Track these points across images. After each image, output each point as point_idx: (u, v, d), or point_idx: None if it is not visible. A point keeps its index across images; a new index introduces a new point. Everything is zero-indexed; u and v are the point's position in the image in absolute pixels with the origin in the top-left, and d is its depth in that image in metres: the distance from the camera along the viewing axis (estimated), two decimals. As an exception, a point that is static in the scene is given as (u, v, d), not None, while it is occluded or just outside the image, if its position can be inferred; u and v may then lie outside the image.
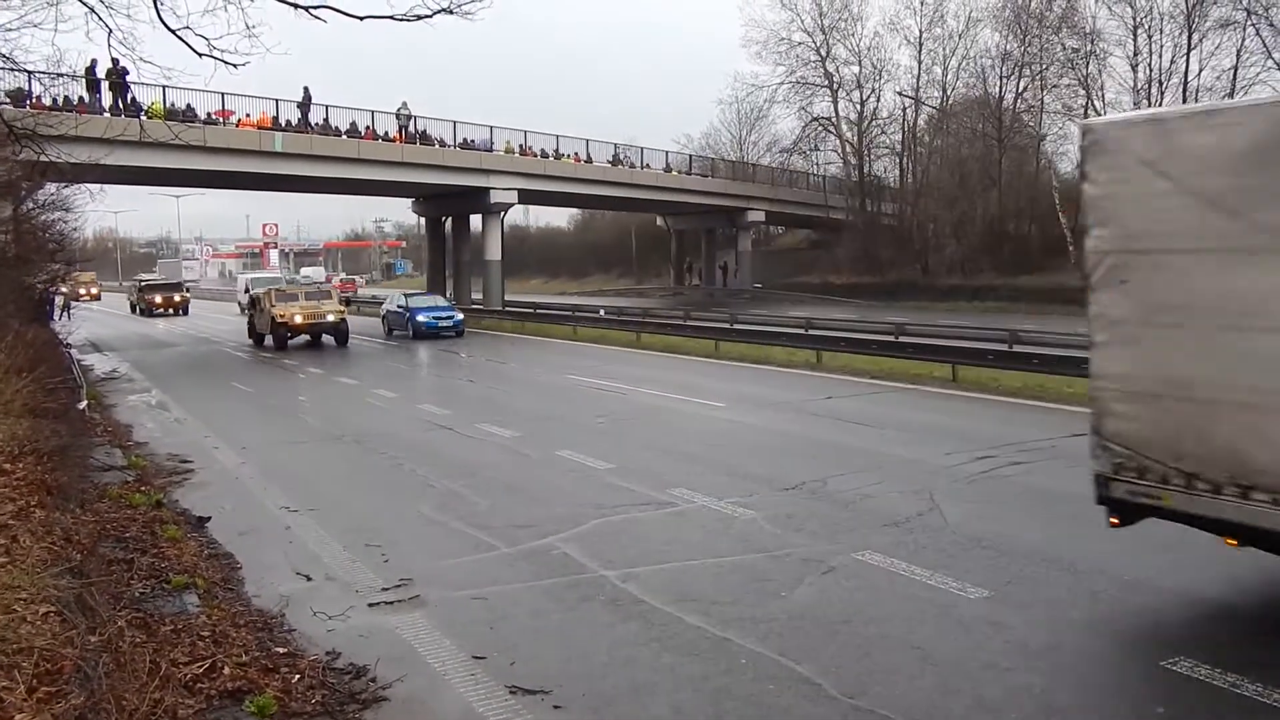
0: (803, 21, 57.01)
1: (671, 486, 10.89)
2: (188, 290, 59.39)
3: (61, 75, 27.28)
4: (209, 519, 10.11)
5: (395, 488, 11.59)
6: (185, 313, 52.91)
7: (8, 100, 26.72)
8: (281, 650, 6.53)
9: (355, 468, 12.94)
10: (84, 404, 15.99)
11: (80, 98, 31.84)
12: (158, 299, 53.79)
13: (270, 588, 8.00)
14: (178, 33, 9.10)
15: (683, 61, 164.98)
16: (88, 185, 23.31)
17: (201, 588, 7.58)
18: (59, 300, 43.14)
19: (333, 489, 11.74)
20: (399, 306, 35.66)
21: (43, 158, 14.33)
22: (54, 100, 29.35)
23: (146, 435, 15.50)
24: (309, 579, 8.25)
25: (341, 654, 6.56)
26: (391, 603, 7.62)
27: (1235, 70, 41.27)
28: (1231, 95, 41.48)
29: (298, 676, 6.07)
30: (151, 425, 16.61)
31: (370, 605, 7.58)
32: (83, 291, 77.81)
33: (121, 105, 32.47)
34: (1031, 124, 50.36)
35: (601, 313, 36.10)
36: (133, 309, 57.28)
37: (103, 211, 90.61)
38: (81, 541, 7.56)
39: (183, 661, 5.89)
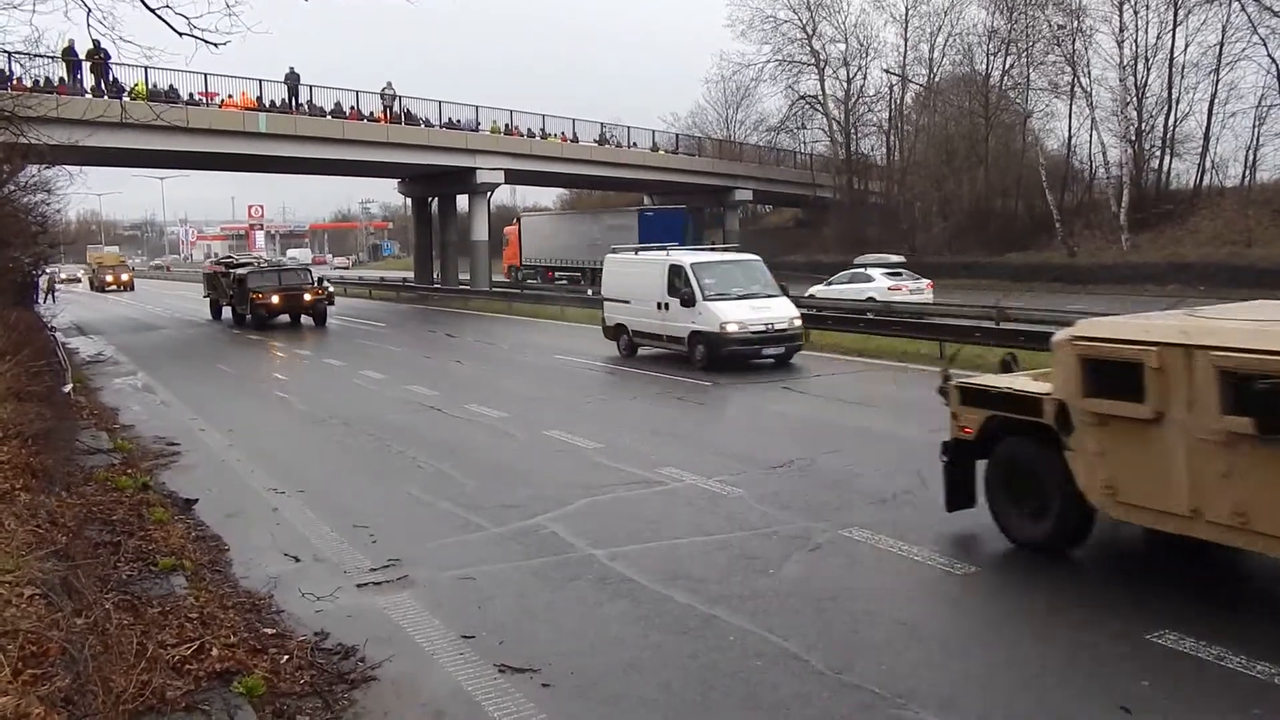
0: (788, -1, 56.78)
1: (659, 465, 10.90)
2: (326, 284, 33.32)
3: (40, 56, 26.99)
4: (196, 501, 10.08)
5: (383, 469, 11.57)
6: (322, 322, 31.09)
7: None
8: (270, 631, 6.54)
9: (343, 449, 12.91)
10: (69, 387, 15.89)
11: (60, 79, 31.54)
12: (275, 300, 30.41)
13: (258, 569, 8.00)
14: (157, 12, 9.02)
15: (668, 41, 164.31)
16: (68, 167, 23.09)
17: (189, 570, 7.56)
18: (43, 283, 42.77)
19: (320, 471, 11.71)
20: None
21: (22, 139, 14.17)
22: (34, 81, 29.05)
23: (132, 418, 15.43)
24: (297, 560, 8.25)
25: (330, 634, 6.57)
26: (380, 583, 7.62)
27: (1221, 46, 41.17)
28: (1217, 71, 41.54)
29: (286, 657, 6.08)
30: (138, 408, 16.53)
31: (358, 586, 7.58)
32: (108, 278, 63.12)
33: (104, 86, 32.18)
34: (1018, 101, 50.25)
35: (590, 292, 35.99)
36: (215, 311, 35.56)
37: (85, 194, 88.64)
38: (67, 524, 7.53)
39: (170, 643, 5.88)
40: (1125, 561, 7.45)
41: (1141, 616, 6.42)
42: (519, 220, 58.67)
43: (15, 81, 27.40)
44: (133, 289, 63.49)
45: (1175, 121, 43.59)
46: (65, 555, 6.46)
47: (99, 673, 4.73)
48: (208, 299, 36.60)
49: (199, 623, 6.32)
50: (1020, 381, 8.29)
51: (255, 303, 30.49)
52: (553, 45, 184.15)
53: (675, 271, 19.07)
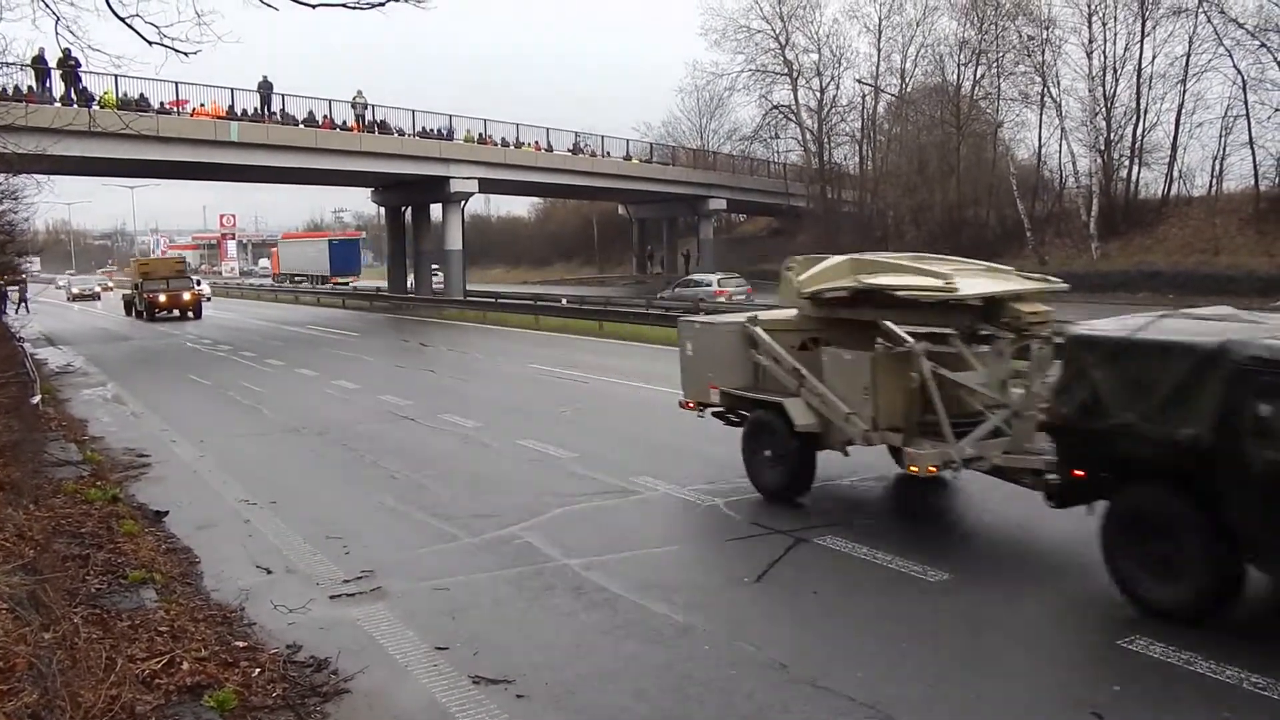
0: (761, 9, 57.08)
1: (634, 474, 10.90)
2: None
3: (8, 64, 26.72)
4: (167, 513, 9.98)
5: (357, 479, 11.50)
6: None
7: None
8: (241, 644, 6.48)
9: (316, 460, 12.83)
10: (38, 398, 15.73)
11: (29, 87, 31.24)
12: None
13: (230, 581, 7.93)
14: (127, 20, 8.92)
15: (641, 49, 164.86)
16: (36, 175, 22.83)
17: (159, 583, 7.49)
18: (13, 293, 42.23)
19: (293, 481, 11.63)
20: None
21: (-10, 148, 14.01)
22: (2, 90, 28.76)
23: (102, 429, 15.27)
24: (269, 572, 8.18)
25: (303, 647, 6.52)
26: (353, 595, 7.57)
27: (1188, 57, 41.67)
28: (1184, 82, 42.05)
29: (258, 670, 6.02)
30: (107, 419, 16.37)
31: (331, 598, 7.52)
32: (161, 297, 41.99)
33: (73, 94, 31.91)
34: (989, 111, 50.70)
35: (564, 302, 35.96)
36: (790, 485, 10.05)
37: (53, 203, 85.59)
38: (35, 538, 7.44)
39: (140, 657, 5.82)
40: (1096, 569, 7.50)
41: (1113, 622, 6.47)
42: (278, 244, 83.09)
43: (-17, 90, 27.09)
44: (199, 315, 42.62)
45: (1143, 131, 44.08)
46: (33, 569, 6.38)
47: (67, 688, 4.67)
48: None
49: (169, 636, 6.25)
50: None
51: None
52: (526, 58, 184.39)
53: None
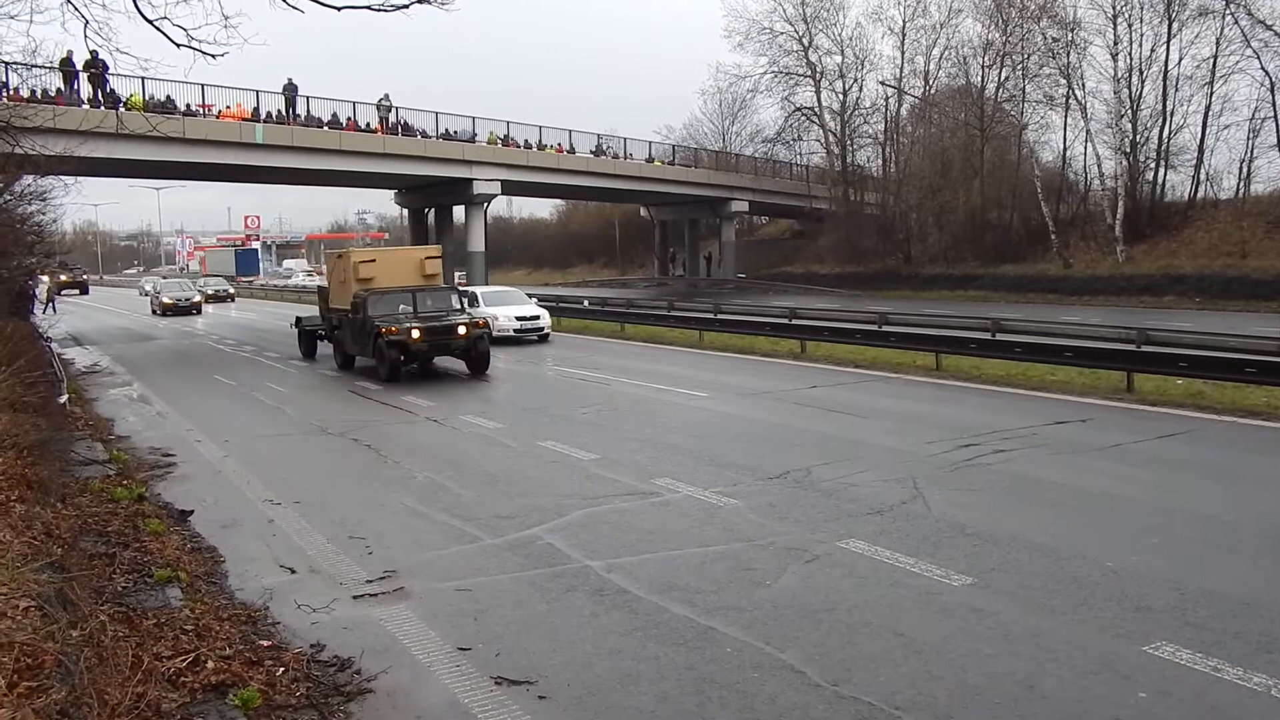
0: (784, 11, 57.10)
1: (655, 477, 10.90)
2: None
3: (38, 66, 27.07)
4: (191, 512, 10.06)
5: (379, 480, 11.55)
6: None
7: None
8: (265, 643, 6.52)
9: (339, 460, 12.89)
10: (64, 398, 15.87)
11: (57, 89, 31.59)
12: None
13: (254, 581, 7.98)
14: (155, 23, 9.03)
15: (663, 52, 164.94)
16: (64, 177, 23.08)
17: (184, 581, 7.54)
18: (42, 292, 42.60)
19: (316, 481, 11.69)
20: None
21: (18, 149, 14.18)
22: (31, 92, 29.10)
23: (128, 429, 15.40)
24: (293, 572, 8.23)
25: (326, 646, 6.55)
26: (376, 595, 7.60)
27: (1214, 59, 41.41)
28: (1211, 84, 41.72)
29: (282, 669, 6.06)
30: (133, 419, 16.50)
31: (355, 597, 7.56)
32: (415, 332, 19.16)
33: (101, 97, 32.23)
34: (1013, 113, 50.44)
35: (585, 303, 36.01)
36: None
37: (81, 204, 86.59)
38: (62, 536, 7.51)
39: (165, 655, 5.86)
40: (1122, 574, 7.45)
41: (1139, 628, 6.42)
42: (206, 252, 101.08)
43: (12, 92, 27.41)
44: (483, 368, 20.40)
45: (1170, 134, 43.79)
46: (60, 567, 6.45)
47: (94, 685, 4.71)
48: None
49: (194, 635, 6.30)
50: None
51: None
52: (548, 60, 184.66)
53: None
